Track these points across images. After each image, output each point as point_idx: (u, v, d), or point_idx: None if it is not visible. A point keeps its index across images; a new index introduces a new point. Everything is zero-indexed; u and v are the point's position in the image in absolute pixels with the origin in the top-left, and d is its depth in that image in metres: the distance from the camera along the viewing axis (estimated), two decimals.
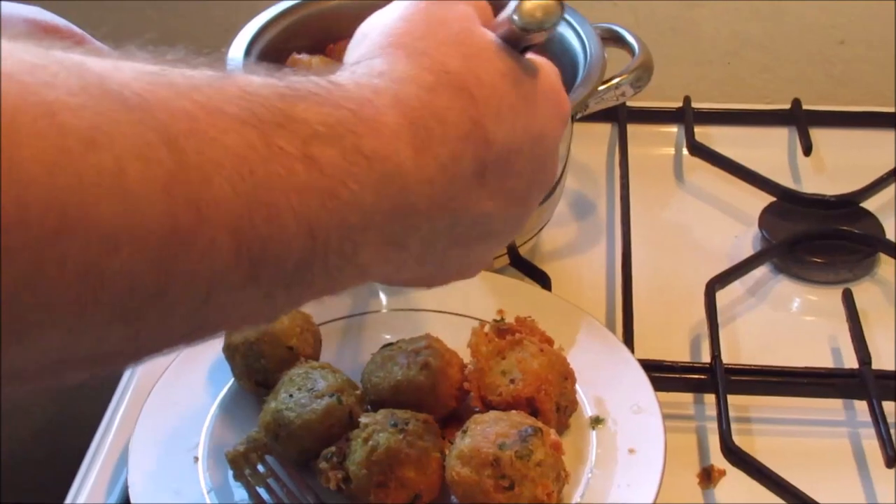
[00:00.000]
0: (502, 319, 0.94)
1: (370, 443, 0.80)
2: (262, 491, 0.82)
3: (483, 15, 0.61)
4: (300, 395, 0.85)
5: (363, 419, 0.83)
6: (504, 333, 0.90)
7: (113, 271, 0.40)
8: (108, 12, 1.40)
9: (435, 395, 0.87)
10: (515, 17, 0.58)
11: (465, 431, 0.81)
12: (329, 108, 0.49)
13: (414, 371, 0.87)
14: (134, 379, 1.04)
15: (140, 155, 0.40)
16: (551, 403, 0.85)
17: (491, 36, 0.59)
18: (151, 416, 0.90)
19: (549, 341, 0.91)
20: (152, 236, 0.41)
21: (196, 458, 0.86)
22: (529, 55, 0.62)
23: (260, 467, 0.83)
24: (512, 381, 0.86)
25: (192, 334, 0.48)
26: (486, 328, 0.91)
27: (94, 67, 0.41)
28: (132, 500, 0.82)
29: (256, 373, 0.91)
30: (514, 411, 0.83)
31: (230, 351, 0.92)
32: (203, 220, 0.42)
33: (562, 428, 0.87)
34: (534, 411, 0.84)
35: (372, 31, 0.58)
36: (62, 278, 0.38)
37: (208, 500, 0.83)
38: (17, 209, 0.36)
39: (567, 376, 0.88)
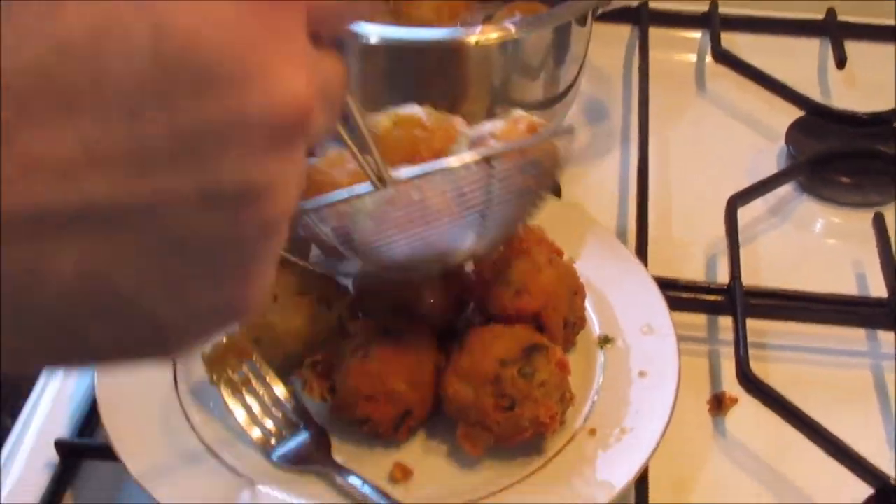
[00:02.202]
0: None
1: (359, 353, 0.74)
2: (239, 397, 0.75)
3: None
4: (287, 297, 0.78)
5: (353, 327, 0.76)
6: (510, 242, 0.83)
7: None
8: None
9: (432, 304, 0.79)
10: None
11: (464, 345, 0.74)
12: None
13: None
14: None
15: None
16: (559, 319, 0.79)
17: None
18: None
19: (559, 253, 0.84)
20: None
21: None
22: None
23: (239, 372, 0.76)
24: (517, 293, 0.79)
25: None
26: None
27: None
28: (98, 400, 0.76)
29: None
30: (518, 326, 0.76)
31: None
32: None
33: (568, 346, 0.81)
34: (539, 327, 0.78)
35: None
36: None
37: (182, 402, 0.77)
38: None
39: (577, 291, 0.81)
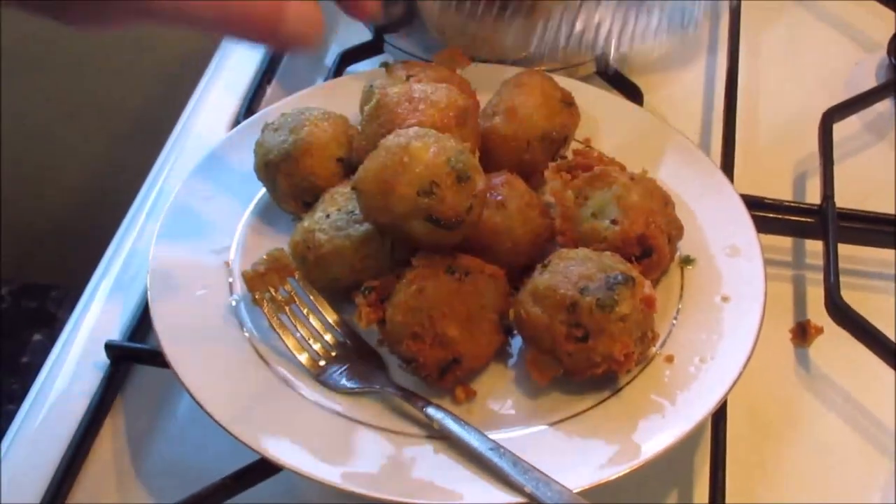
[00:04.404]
0: (564, 157, 0.80)
1: (415, 286, 0.68)
2: (283, 318, 0.71)
3: None
4: (338, 216, 0.73)
5: (416, 259, 0.70)
6: (575, 170, 0.77)
7: None
8: None
9: (513, 241, 0.73)
10: None
11: (545, 266, 0.69)
12: None
13: (489, 211, 0.72)
14: (169, 162, 0.94)
15: None
16: (664, 236, 0.73)
17: None
18: (182, 208, 0.79)
19: (622, 167, 0.78)
20: None
21: (226, 263, 0.76)
22: None
23: (282, 291, 0.71)
24: (613, 221, 0.73)
25: None
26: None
27: None
28: (151, 305, 0.72)
29: (303, 192, 0.78)
30: (608, 252, 0.70)
31: (268, 171, 0.78)
32: None
33: (671, 261, 0.75)
34: (647, 250, 0.72)
35: None
36: None
37: (236, 313, 0.73)
38: None
39: (667, 201, 0.75)
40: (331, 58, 1.00)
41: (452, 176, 0.66)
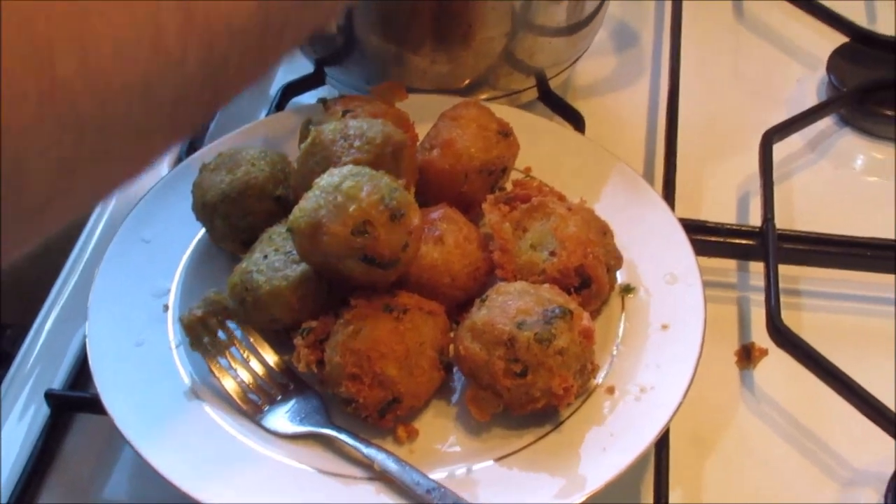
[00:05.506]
0: (503, 189, 0.81)
1: (352, 326, 0.67)
2: (223, 361, 0.70)
3: None
4: (276, 257, 0.72)
5: (354, 298, 0.69)
6: (514, 201, 0.77)
7: None
8: None
9: (451, 276, 0.73)
10: None
11: (483, 301, 0.69)
12: None
13: (427, 246, 0.73)
14: (109, 204, 0.94)
15: None
16: (602, 267, 0.73)
17: None
18: (121, 252, 0.79)
19: (561, 197, 0.79)
20: None
21: (166, 307, 0.76)
22: None
23: (220, 334, 0.71)
24: (551, 253, 0.73)
25: None
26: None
27: None
28: (90, 353, 0.72)
29: (242, 232, 0.77)
30: (546, 285, 0.70)
31: (206, 212, 0.78)
32: None
33: (611, 290, 0.75)
34: (585, 281, 0.72)
35: None
36: None
37: (176, 357, 0.72)
38: None
39: (605, 231, 0.76)
40: (273, 90, 1.00)
41: (386, 214, 0.66)
